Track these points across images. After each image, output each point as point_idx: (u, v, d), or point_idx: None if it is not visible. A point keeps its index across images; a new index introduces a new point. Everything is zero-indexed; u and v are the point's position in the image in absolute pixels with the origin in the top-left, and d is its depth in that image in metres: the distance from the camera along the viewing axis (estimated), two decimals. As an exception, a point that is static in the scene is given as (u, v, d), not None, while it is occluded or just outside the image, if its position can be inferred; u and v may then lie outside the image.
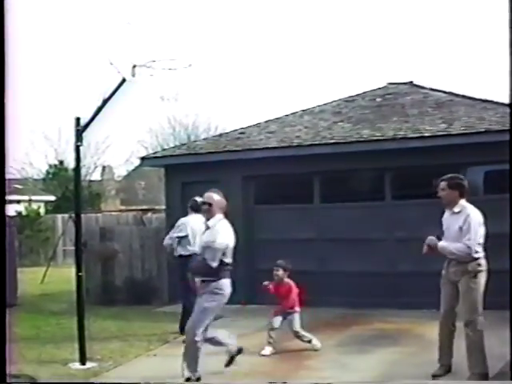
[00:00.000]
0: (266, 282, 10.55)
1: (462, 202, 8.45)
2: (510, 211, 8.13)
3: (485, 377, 7.99)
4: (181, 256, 11.69)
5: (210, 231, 8.19)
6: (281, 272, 10.51)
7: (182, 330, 11.80)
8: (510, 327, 6.84)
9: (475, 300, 8.21)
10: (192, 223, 11.60)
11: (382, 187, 14.20)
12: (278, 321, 10.37)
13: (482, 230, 8.32)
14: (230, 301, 14.16)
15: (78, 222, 10.21)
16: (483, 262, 8.29)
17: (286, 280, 10.56)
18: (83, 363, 9.58)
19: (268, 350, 10.16)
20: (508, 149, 7.31)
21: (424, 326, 11.63)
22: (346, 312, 12.24)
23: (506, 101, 14.59)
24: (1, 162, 5.75)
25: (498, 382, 7.21)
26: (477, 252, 8.20)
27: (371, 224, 13.93)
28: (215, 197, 8.39)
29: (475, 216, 8.29)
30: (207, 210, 8.29)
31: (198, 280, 8.26)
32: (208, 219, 8.27)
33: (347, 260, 13.51)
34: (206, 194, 8.40)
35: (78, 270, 9.95)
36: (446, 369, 8.48)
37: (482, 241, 8.31)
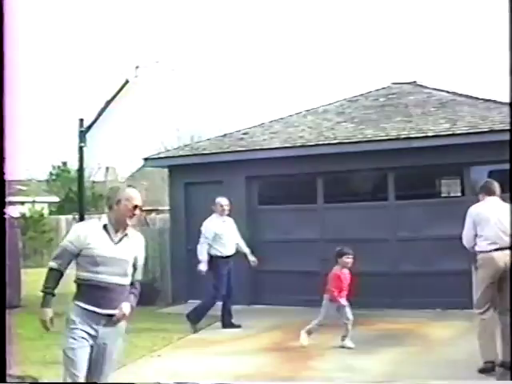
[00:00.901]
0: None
1: (486, 198, 8.89)
2: (511, 211, 8.16)
3: (489, 367, 8.19)
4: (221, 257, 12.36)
5: (138, 243, 6.22)
6: (350, 259, 10.64)
7: (223, 325, 12.24)
8: (510, 327, 6.84)
9: (476, 292, 8.78)
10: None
11: (385, 187, 14.17)
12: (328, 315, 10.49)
13: (470, 227, 8.68)
14: (234, 301, 14.20)
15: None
16: (483, 256, 8.53)
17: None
18: (87, 364, 9.55)
19: (306, 342, 10.37)
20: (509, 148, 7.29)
21: (428, 326, 11.65)
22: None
23: (508, 100, 14.59)
24: (0, 162, 5.74)
25: (498, 382, 7.22)
26: (476, 245, 8.62)
27: (374, 224, 13.91)
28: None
29: (471, 209, 8.82)
30: (134, 215, 6.00)
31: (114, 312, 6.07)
32: (126, 226, 6.02)
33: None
34: (136, 194, 6.04)
35: (82, 271, 9.92)
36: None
37: (481, 233, 8.56)
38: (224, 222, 12.48)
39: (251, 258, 12.62)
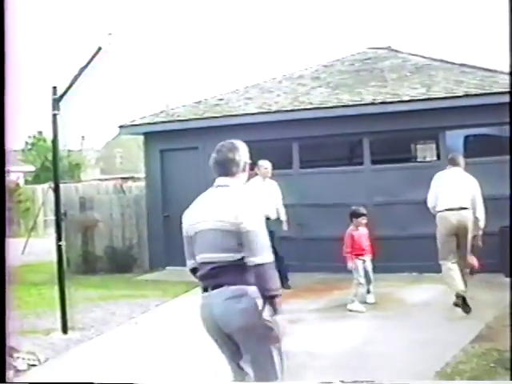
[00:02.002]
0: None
1: (451, 168, 10.39)
2: (511, 204, 8.32)
3: (460, 301, 9.66)
4: None
5: None
6: (365, 220, 10.89)
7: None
8: (510, 325, 6.88)
9: (439, 246, 10.16)
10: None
11: (360, 152, 14.19)
12: (362, 276, 10.69)
13: (433, 190, 10.27)
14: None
15: (56, 192, 10.18)
16: (439, 215, 10.07)
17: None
18: (65, 332, 9.58)
19: (359, 307, 10.46)
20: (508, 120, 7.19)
21: (405, 290, 11.72)
22: (327, 277, 12.27)
23: (485, 64, 14.65)
24: (0, 136, 5.70)
25: (498, 381, 7.28)
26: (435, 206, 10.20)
27: (350, 189, 13.93)
28: None
29: (435, 175, 10.43)
30: None
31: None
32: None
33: (327, 225, 13.51)
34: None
35: (59, 239, 9.92)
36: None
37: (440, 195, 10.11)
38: (265, 184, 12.31)
39: (283, 220, 12.58)
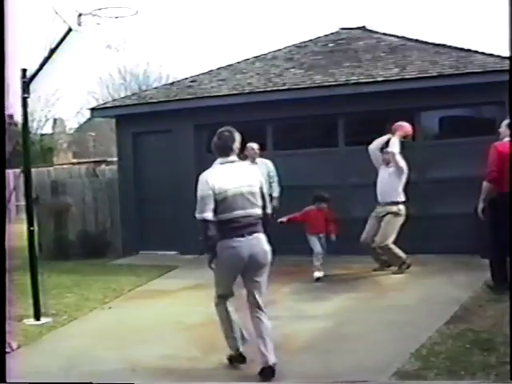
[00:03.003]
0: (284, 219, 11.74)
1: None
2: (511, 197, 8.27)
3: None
4: None
5: None
6: (326, 205, 11.63)
7: None
8: (510, 325, 6.85)
9: (391, 231, 11.42)
10: None
11: (335, 133, 14.14)
12: (319, 247, 11.57)
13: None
14: (187, 251, 14.14)
15: (27, 176, 10.07)
16: (403, 206, 11.41)
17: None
18: (38, 319, 9.48)
19: (321, 273, 11.37)
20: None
21: (379, 272, 11.70)
22: (301, 259, 12.18)
23: (460, 45, 14.60)
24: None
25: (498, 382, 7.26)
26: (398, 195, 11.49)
27: (326, 170, 13.91)
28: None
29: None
30: None
31: None
32: None
33: (302, 207, 13.43)
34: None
35: (30, 224, 9.80)
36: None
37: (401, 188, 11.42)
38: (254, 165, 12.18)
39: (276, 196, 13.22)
